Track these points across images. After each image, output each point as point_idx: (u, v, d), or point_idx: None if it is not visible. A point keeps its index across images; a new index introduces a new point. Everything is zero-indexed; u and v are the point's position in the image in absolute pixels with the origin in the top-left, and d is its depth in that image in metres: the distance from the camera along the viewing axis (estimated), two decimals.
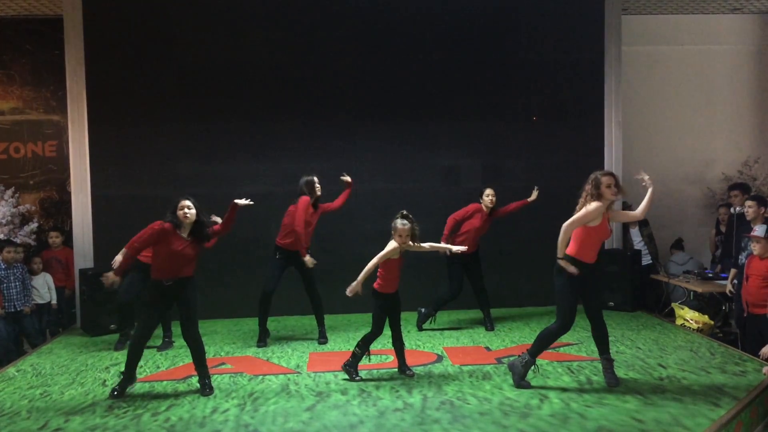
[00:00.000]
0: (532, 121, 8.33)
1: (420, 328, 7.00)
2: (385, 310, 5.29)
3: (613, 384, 4.94)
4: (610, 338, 6.32)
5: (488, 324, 6.99)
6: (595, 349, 5.87)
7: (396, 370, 5.41)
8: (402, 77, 8.15)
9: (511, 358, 5.72)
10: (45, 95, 8.59)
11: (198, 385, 5.07)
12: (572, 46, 8.30)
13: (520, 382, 4.97)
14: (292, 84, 8.04)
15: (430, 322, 7.03)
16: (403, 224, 5.13)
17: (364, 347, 5.29)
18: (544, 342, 5.03)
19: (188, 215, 4.96)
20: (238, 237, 7.85)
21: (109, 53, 7.86)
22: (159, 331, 6.60)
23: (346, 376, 5.30)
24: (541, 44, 8.28)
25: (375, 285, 5.28)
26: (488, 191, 6.84)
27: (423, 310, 7.03)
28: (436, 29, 8.17)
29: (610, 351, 5.11)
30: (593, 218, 4.86)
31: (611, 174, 4.93)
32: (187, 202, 4.98)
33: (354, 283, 5.14)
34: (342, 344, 6.49)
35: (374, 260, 5.15)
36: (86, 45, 7.79)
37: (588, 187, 4.91)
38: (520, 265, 8.02)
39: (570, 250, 4.89)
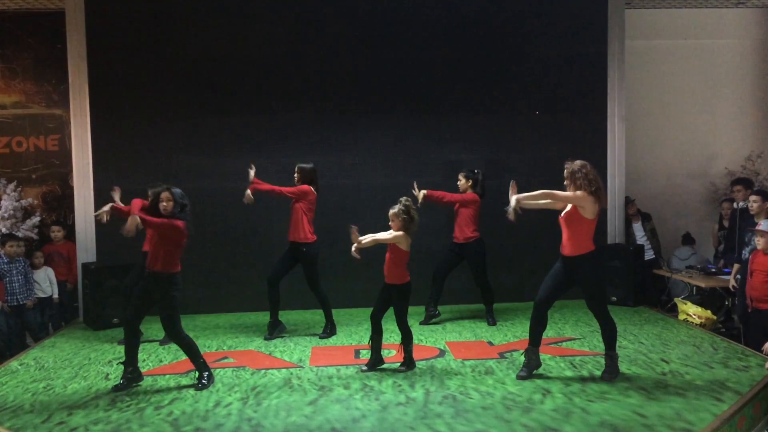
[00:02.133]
0: (534, 115, 8.30)
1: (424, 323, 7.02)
2: (381, 291, 5.35)
3: (606, 378, 4.95)
4: None
5: (490, 319, 6.99)
6: (597, 344, 5.92)
7: (398, 364, 5.40)
8: (404, 71, 8.12)
9: (514, 353, 5.74)
10: (47, 89, 8.58)
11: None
12: (575, 40, 8.27)
13: (528, 372, 5.07)
14: (294, 78, 8.02)
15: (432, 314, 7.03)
16: (392, 209, 5.18)
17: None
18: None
19: (167, 207, 4.98)
20: (240, 231, 7.88)
21: (111, 47, 7.85)
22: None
23: (349, 371, 5.31)
24: (544, 38, 8.24)
25: None
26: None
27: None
28: (438, 23, 8.14)
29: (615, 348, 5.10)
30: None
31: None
32: (167, 194, 5.01)
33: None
34: (344, 339, 6.49)
35: (373, 238, 5.22)
36: (88, 39, 7.78)
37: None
38: (523, 259, 8.01)
39: None
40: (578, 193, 4.83)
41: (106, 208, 5.48)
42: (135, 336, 5.12)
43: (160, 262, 4.94)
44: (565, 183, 4.97)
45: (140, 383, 5.10)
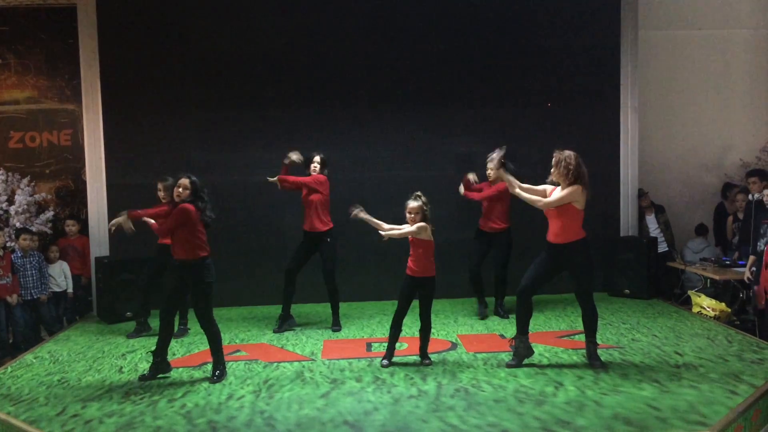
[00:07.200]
0: (546, 107, 8.25)
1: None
2: (404, 289, 5.29)
3: (597, 366, 4.99)
4: (625, 325, 6.38)
5: (501, 312, 6.96)
6: (610, 336, 5.90)
7: (408, 357, 5.39)
8: (415, 64, 8.09)
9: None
10: (60, 84, 8.61)
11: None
12: (588, 31, 8.21)
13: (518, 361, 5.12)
14: (305, 72, 8.01)
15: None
16: (413, 202, 5.18)
17: (392, 329, 5.32)
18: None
19: (181, 195, 5.04)
20: (251, 225, 7.90)
21: (123, 42, 7.87)
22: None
23: (361, 364, 5.32)
24: (557, 29, 8.18)
25: None
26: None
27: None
28: (450, 15, 8.10)
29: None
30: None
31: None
32: (185, 182, 5.05)
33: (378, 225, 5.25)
34: (356, 332, 6.50)
35: (400, 232, 5.21)
36: (100, 34, 7.81)
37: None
38: (533, 252, 7.95)
39: None
40: (572, 189, 4.89)
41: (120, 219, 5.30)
42: (168, 328, 5.09)
43: (182, 249, 4.95)
44: (552, 171, 4.98)
45: (168, 374, 5.11)
